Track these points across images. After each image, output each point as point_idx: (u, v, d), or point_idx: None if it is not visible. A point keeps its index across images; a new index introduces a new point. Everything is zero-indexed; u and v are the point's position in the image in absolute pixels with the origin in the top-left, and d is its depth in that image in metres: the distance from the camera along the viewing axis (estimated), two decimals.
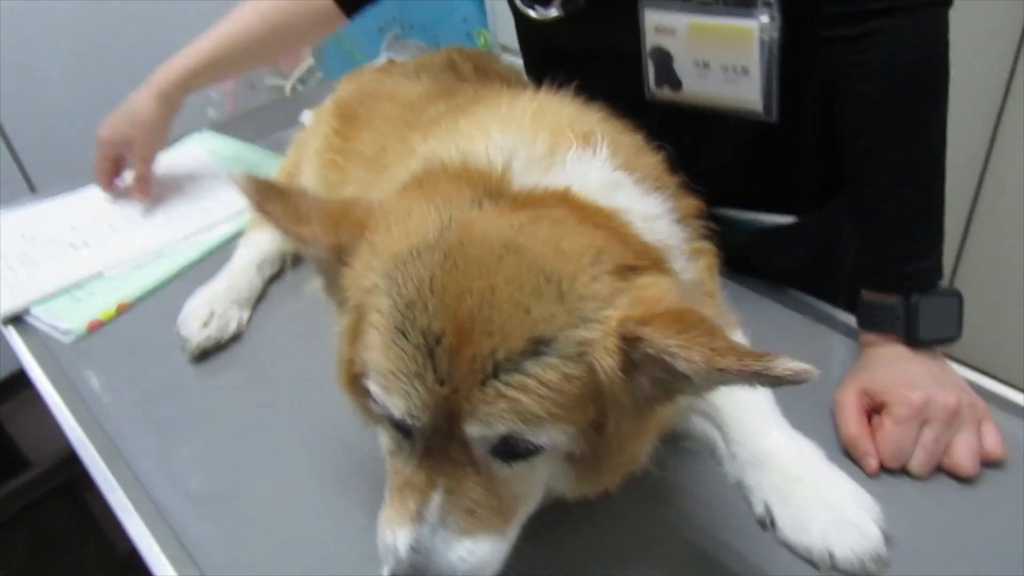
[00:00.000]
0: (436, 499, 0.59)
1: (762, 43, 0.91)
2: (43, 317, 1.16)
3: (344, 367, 0.67)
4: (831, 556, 0.72)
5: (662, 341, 0.54)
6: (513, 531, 0.65)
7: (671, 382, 0.59)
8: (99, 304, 1.18)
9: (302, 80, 2.50)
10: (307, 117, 1.44)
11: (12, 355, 1.15)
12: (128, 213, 1.38)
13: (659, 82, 1.02)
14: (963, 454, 0.80)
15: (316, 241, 0.66)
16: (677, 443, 0.86)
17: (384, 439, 0.66)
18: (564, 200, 0.64)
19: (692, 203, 0.84)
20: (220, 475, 0.91)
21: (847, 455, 0.84)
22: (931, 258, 0.89)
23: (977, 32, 1.90)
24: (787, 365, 0.51)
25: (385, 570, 0.62)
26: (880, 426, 0.83)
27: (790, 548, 0.76)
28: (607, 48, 1.03)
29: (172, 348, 1.08)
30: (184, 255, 1.27)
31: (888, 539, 0.74)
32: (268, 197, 0.67)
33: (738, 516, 0.80)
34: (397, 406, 0.59)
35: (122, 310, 1.18)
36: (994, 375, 0.95)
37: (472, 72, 1.13)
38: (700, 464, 0.86)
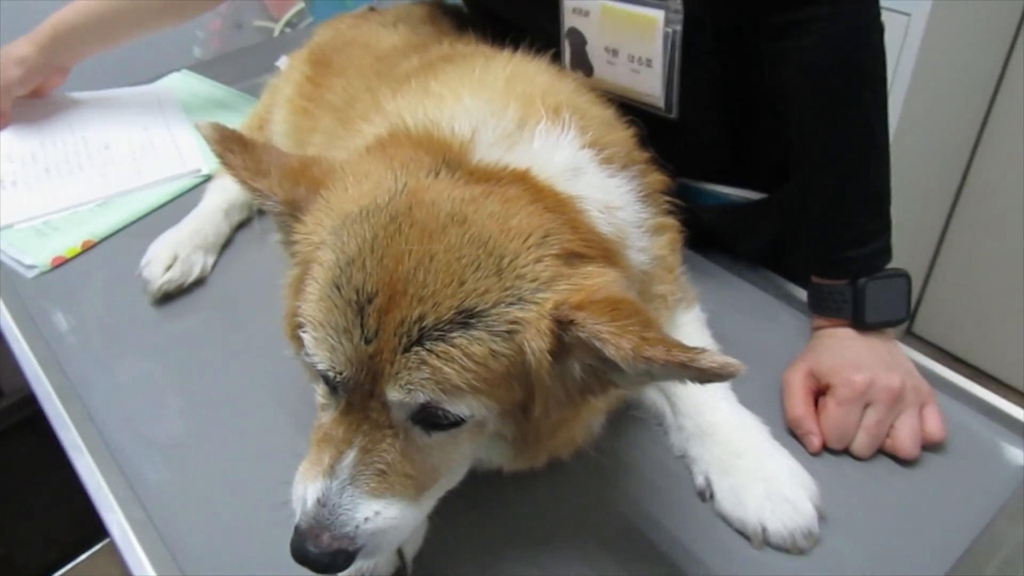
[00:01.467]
0: (350, 456, 0.60)
1: (666, 35, 0.90)
2: (7, 251, 1.15)
3: (288, 319, 0.68)
4: (764, 530, 0.74)
5: (593, 326, 0.54)
6: (428, 502, 0.65)
7: (603, 371, 0.59)
8: (65, 240, 1.17)
9: (291, 23, 2.45)
10: (283, 63, 1.42)
11: None
12: (107, 142, 1.37)
13: (574, 65, 1.01)
14: (905, 436, 0.82)
15: (272, 195, 0.66)
16: (626, 411, 0.87)
17: (317, 393, 0.67)
18: (522, 180, 0.63)
19: (659, 179, 0.83)
20: (175, 419, 0.92)
21: (792, 434, 0.85)
22: (876, 242, 0.89)
23: (969, 32, 1.89)
24: (713, 359, 0.51)
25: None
26: (824, 407, 0.84)
27: (726, 520, 0.77)
28: (533, 23, 1.02)
29: (135, 289, 1.08)
30: (153, 195, 1.26)
31: (822, 517, 0.76)
32: (231, 148, 0.67)
33: (682, 487, 0.81)
34: (323, 359, 0.59)
35: (87, 247, 1.17)
36: (973, 364, 0.96)
37: (452, 26, 1.11)
38: (647, 433, 0.87)
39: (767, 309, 1.04)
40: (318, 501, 0.59)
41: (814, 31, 0.84)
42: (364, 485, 0.59)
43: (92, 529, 0.79)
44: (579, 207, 0.64)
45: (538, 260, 0.58)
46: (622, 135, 0.81)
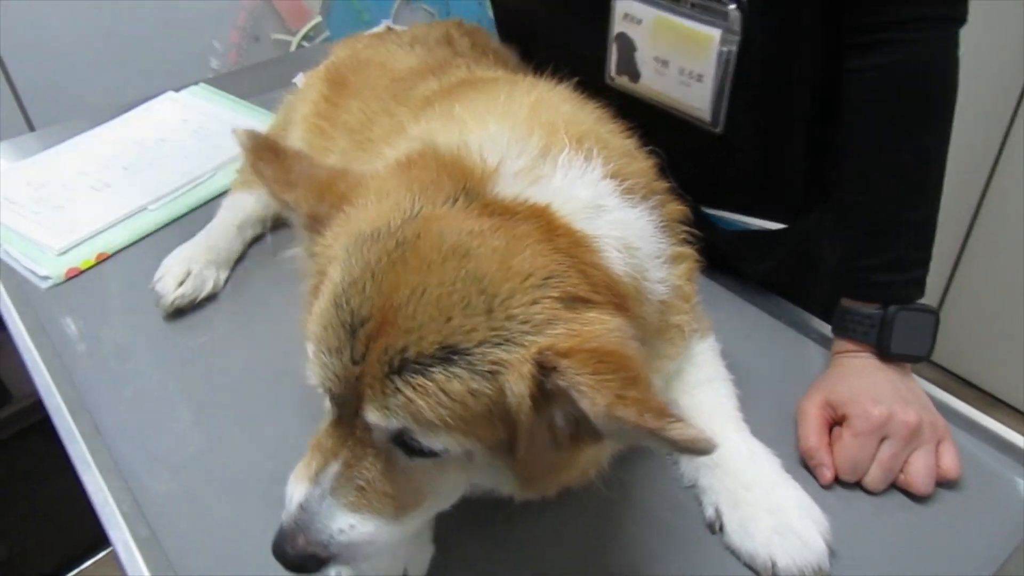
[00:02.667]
0: (334, 467, 0.61)
1: (720, 53, 0.90)
2: (22, 261, 1.16)
3: (303, 328, 0.68)
4: (773, 564, 0.73)
5: (574, 376, 0.53)
6: (411, 522, 0.65)
7: (586, 422, 0.56)
8: (80, 252, 1.18)
9: (308, 37, 2.47)
10: (300, 80, 1.43)
11: None
12: (128, 161, 1.38)
13: (619, 70, 1.01)
14: (919, 473, 0.81)
15: (298, 207, 0.68)
16: None
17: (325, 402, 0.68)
18: (538, 216, 0.62)
19: (677, 208, 0.83)
20: (184, 435, 0.92)
21: (805, 465, 0.84)
22: (915, 271, 0.89)
23: (986, 51, 1.88)
24: (684, 432, 0.50)
25: None
26: (839, 438, 0.83)
27: (736, 553, 0.76)
28: (575, 24, 1.02)
29: (147, 303, 1.08)
30: (168, 209, 1.27)
31: (833, 552, 0.75)
32: (263, 156, 0.68)
33: (691, 518, 0.80)
34: (316, 373, 0.61)
35: (101, 260, 1.17)
36: (988, 391, 0.95)
37: (468, 48, 1.11)
38: (656, 462, 0.86)
39: (779, 337, 1.03)
40: (300, 505, 0.61)
41: (894, 52, 0.84)
42: (343, 498, 0.61)
43: (98, 534, 0.79)
44: (595, 247, 0.63)
45: (534, 302, 0.57)
46: (642, 165, 0.81)
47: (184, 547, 0.79)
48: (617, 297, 0.61)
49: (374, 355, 0.57)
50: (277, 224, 1.20)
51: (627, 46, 0.98)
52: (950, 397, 0.93)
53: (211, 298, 1.10)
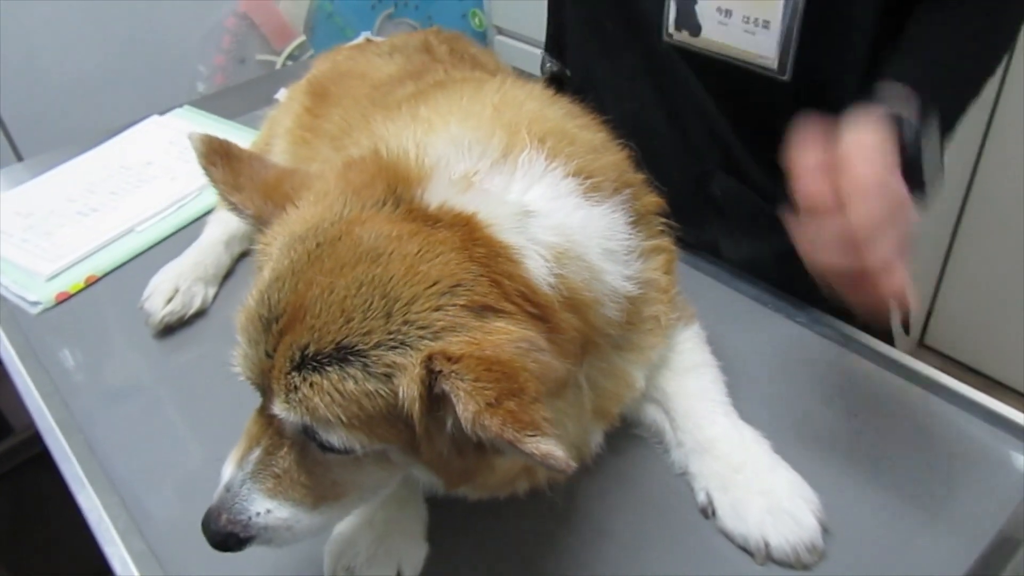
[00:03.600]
0: (256, 452, 0.63)
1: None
2: (11, 287, 1.16)
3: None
4: (766, 545, 0.73)
5: (455, 381, 0.53)
6: (333, 512, 0.67)
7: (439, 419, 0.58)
8: (69, 276, 1.18)
9: (293, 56, 2.49)
10: (282, 95, 1.44)
11: None
12: (115, 185, 1.39)
13: (678, 25, 1.00)
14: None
15: (244, 209, 0.70)
16: (627, 430, 0.87)
17: None
18: (462, 225, 0.62)
19: (653, 200, 0.83)
20: (178, 451, 0.92)
21: (794, 448, 0.84)
22: (954, 104, 0.86)
23: None
24: (540, 447, 0.51)
25: None
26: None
27: (729, 537, 0.77)
28: None
29: (138, 322, 1.09)
30: (155, 230, 1.28)
31: (826, 530, 0.75)
32: (213, 160, 0.70)
33: (683, 504, 0.81)
34: (236, 362, 0.64)
35: (91, 282, 1.18)
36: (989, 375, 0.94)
37: (447, 54, 1.12)
38: (647, 451, 0.86)
39: (765, 322, 1.03)
40: (225, 486, 0.63)
41: None
42: (261, 483, 0.63)
43: (101, 566, 0.79)
44: (514, 258, 0.62)
45: (436, 308, 0.57)
46: (612, 159, 0.81)
47: (181, 561, 0.79)
48: (535, 307, 0.61)
49: (282, 350, 0.59)
50: None
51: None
52: (941, 375, 0.93)
53: (200, 314, 1.11)
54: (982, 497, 0.79)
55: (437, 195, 0.64)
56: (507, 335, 0.57)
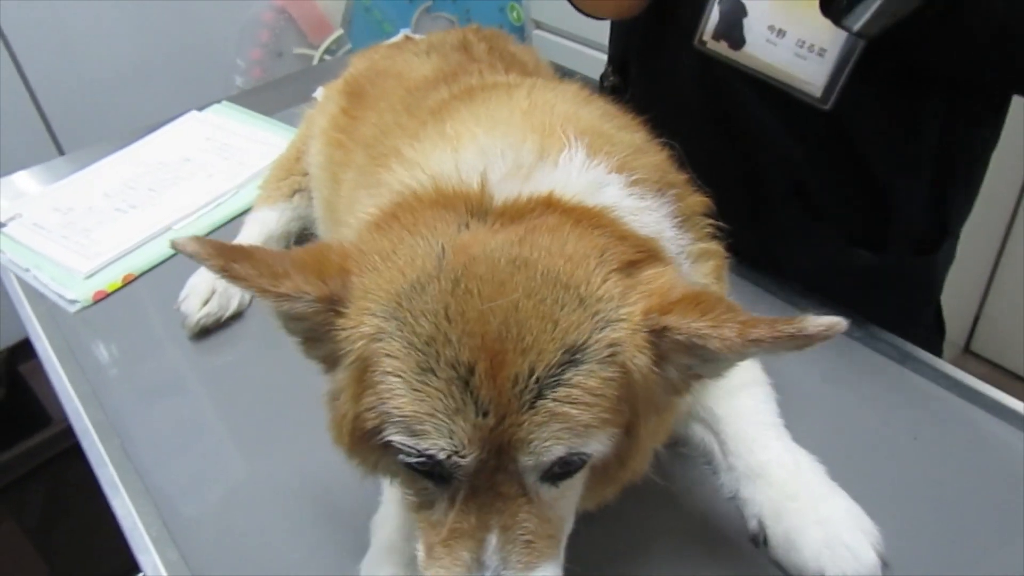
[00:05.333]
0: (492, 541, 0.56)
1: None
2: (51, 286, 1.16)
3: (347, 426, 0.61)
4: None
5: (690, 326, 0.54)
6: (563, 554, 0.62)
7: (698, 366, 0.59)
8: (106, 275, 1.18)
9: (330, 51, 2.47)
10: (320, 93, 1.42)
11: None
12: (152, 182, 1.39)
13: (718, 35, 0.95)
14: None
15: (302, 295, 0.58)
16: (674, 448, 0.84)
17: (405, 495, 0.62)
18: (550, 205, 0.61)
19: (699, 200, 0.79)
20: (213, 456, 0.91)
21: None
22: None
23: None
24: (818, 323, 0.51)
25: None
26: None
27: (781, 567, 0.73)
28: None
29: (174, 323, 1.08)
30: (192, 229, 1.27)
31: (886, 564, 0.71)
32: (234, 259, 0.59)
33: (732, 530, 0.77)
34: (440, 448, 0.55)
35: (128, 281, 1.17)
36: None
37: (485, 52, 1.09)
38: (696, 472, 0.83)
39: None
40: None
41: None
42: (517, 564, 0.56)
43: (133, 557, 0.79)
44: (612, 216, 0.63)
45: (605, 279, 0.57)
46: (655, 159, 0.78)
47: (213, 571, 0.77)
48: (652, 251, 0.62)
49: (505, 393, 0.53)
50: (301, 239, 1.20)
51: (735, 10, 0.92)
52: (988, 387, 0.89)
53: (237, 316, 1.09)
54: None
55: (508, 191, 0.62)
56: (664, 277, 0.59)
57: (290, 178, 1.22)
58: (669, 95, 1.09)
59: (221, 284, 1.08)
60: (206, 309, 1.05)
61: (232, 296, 1.08)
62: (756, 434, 0.78)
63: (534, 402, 0.53)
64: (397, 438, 0.56)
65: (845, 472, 0.79)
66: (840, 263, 1.04)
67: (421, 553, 0.61)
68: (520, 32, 2.85)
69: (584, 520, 0.74)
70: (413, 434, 0.55)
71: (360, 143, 0.96)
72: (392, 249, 0.60)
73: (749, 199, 1.07)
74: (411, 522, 0.74)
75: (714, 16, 0.94)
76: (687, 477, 0.83)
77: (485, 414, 0.54)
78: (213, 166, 1.41)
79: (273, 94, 1.74)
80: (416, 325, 0.55)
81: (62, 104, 2.19)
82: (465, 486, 0.57)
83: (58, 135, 2.21)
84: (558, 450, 0.55)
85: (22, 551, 2.03)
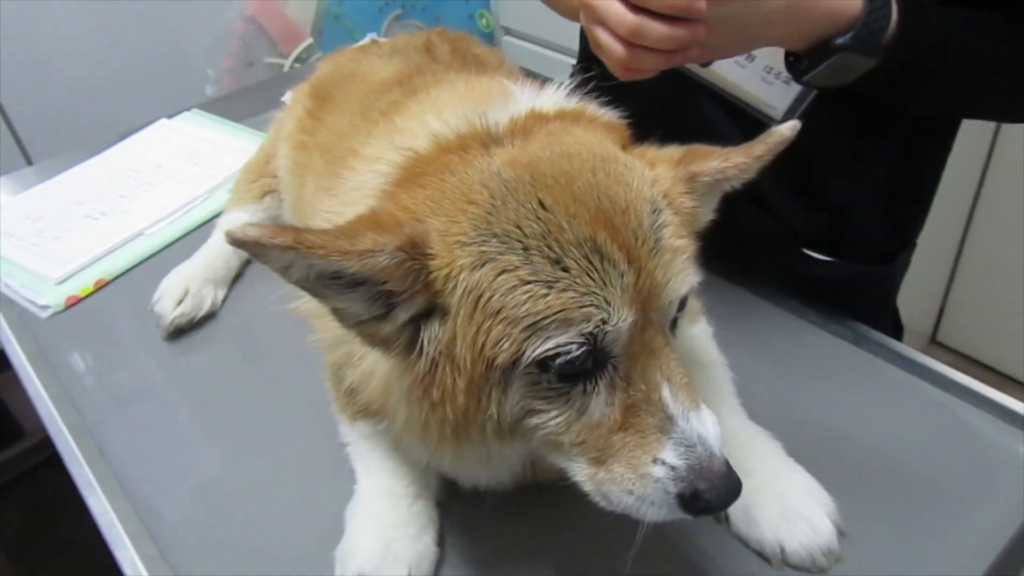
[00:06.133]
0: (666, 394, 0.59)
1: None
2: (22, 292, 1.17)
3: (463, 381, 0.59)
4: (782, 550, 0.72)
5: (710, 166, 0.67)
6: None
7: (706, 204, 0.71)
8: (78, 280, 1.19)
9: (300, 59, 2.49)
10: (288, 97, 1.44)
11: None
12: (123, 189, 1.39)
13: None
14: None
15: (382, 247, 0.56)
16: None
17: (544, 427, 0.61)
18: (542, 117, 0.68)
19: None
20: (189, 454, 0.92)
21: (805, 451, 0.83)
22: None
23: None
24: (784, 127, 0.68)
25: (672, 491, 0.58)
26: None
27: (744, 542, 0.76)
28: None
29: (148, 325, 1.09)
30: (164, 233, 1.28)
31: (842, 533, 0.74)
32: (301, 233, 0.55)
33: None
34: (601, 321, 0.56)
35: (100, 286, 1.18)
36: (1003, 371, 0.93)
37: (448, 54, 1.11)
38: None
39: (774, 320, 1.02)
40: (681, 455, 0.58)
41: None
42: (689, 402, 0.59)
43: (114, 569, 0.79)
44: (592, 114, 0.72)
45: (628, 153, 0.67)
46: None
47: (192, 565, 0.78)
48: (627, 136, 0.73)
49: (633, 250, 0.58)
50: None
51: None
52: (955, 372, 0.92)
53: (210, 316, 1.11)
54: (998, 496, 0.79)
55: (502, 119, 0.67)
56: (654, 149, 0.71)
57: (260, 180, 1.24)
58: (633, 90, 1.12)
59: (194, 284, 1.09)
60: (180, 309, 1.06)
61: (205, 296, 1.09)
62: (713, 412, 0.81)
63: (655, 246, 0.60)
64: (551, 343, 0.56)
65: (801, 448, 0.82)
66: (798, 271, 1.07)
67: (589, 469, 0.61)
68: (490, 38, 2.89)
69: (552, 499, 0.76)
70: (570, 324, 0.56)
71: (320, 147, 0.98)
72: (440, 192, 0.61)
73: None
74: (384, 508, 0.76)
75: None
76: None
77: (623, 275, 0.58)
78: (184, 172, 1.42)
79: (243, 101, 1.75)
80: (521, 231, 0.57)
81: (29, 113, 2.17)
82: (622, 360, 0.59)
83: (26, 145, 2.19)
84: (690, 279, 0.62)
85: None
